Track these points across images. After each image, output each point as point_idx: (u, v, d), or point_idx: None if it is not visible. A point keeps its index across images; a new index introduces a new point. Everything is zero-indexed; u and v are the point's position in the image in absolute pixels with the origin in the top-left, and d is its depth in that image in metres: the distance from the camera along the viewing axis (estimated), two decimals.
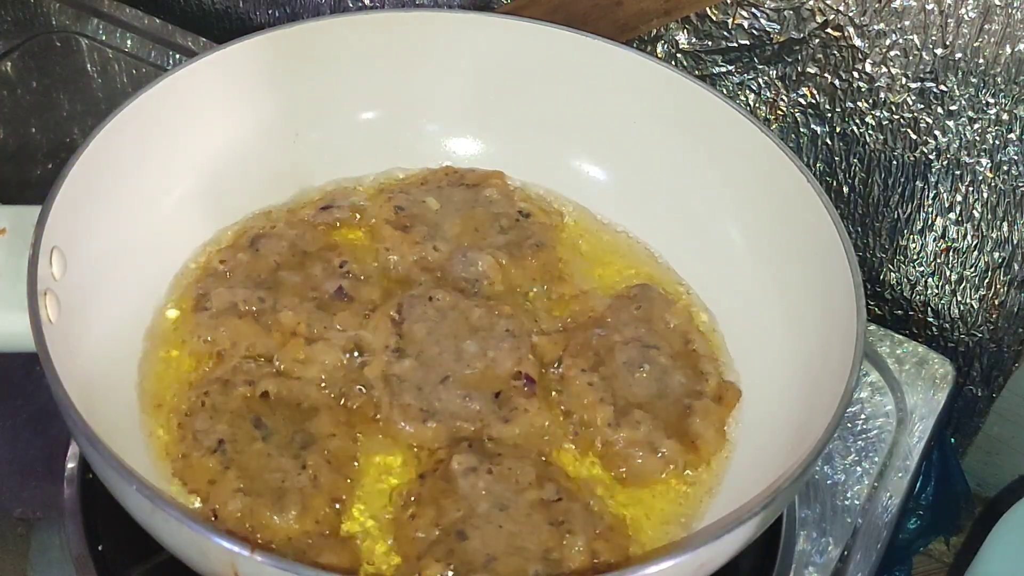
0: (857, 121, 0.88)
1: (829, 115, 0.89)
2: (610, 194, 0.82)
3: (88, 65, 1.06)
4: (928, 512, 0.99)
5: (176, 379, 0.68)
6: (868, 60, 0.84)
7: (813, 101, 0.88)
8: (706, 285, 0.77)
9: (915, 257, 0.94)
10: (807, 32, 0.85)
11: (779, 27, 0.85)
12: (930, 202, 0.90)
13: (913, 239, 0.93)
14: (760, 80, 0.89)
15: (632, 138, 0.81)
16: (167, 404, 0.66)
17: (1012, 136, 0.83)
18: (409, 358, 0.69)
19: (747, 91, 0.90)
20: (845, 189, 0.93)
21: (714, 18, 0.87)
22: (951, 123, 0.85)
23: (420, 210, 0.78)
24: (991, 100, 0.82)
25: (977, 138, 0.85)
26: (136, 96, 0.70)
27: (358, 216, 0.78)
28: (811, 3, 0.83)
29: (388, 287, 0.74)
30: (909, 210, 0.91)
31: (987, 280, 0.93)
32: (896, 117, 0.86)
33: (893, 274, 0.96)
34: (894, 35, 0.82)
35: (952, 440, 1.04)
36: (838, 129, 0.89)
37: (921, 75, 0.83)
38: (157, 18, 1.07)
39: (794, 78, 0.88)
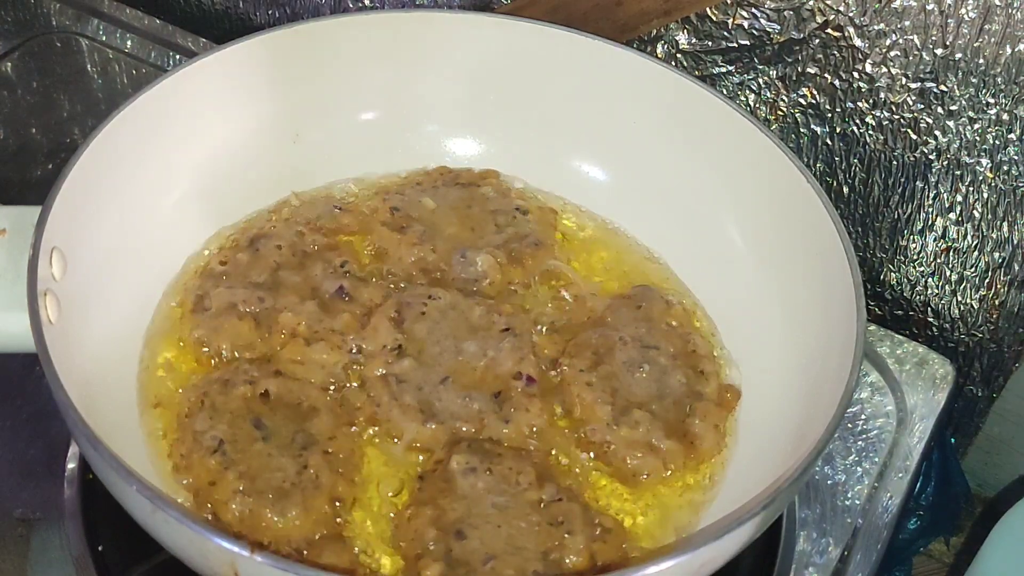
0: (857, 121, 0.88)
1: (829, 115, 0.89)
2: (610, 194, 0.82)
3: (88, 65, 1.06)
4: (928, 512, 0.99)
5: (176, 379, 0.68)
6: (868, 60, 0.84)
7: (813, 101, 0.88)
8: (706, 285, 0.77)
9: (915, 257, 0.94)
10: (807, 32, 0.85)
11: (779, 27, 0.85)
12: (930, 202, 0.90)
13: (913, 239, 0.93)
14: (760, 80, 0.89)
15: (632, 138, 0.81)
16: (167, 404, 0.66)
17: (1012, 136, 0.83)
18: (409, 358, 0.69)
19: (747, 91, 0.90)
20: (845, 189, 0.92)
21: (714, 18, 0.87)
22: (951, 123, 0.85)
23: (416, 210, 0.78)
24: (991, 100, 0.82)
25: (977, 138, 0.85)
26: (136, 96, 0.70)
27: (356, 217, 0.78)
28: (811, 3, 0.83)
29: (388, 287, 0.74)
30: (909, 210, 0.91)
31: (987, 280, 0.93)
32: (896, 117, 0.86)
33: (893, 274, 0.96)
34: (894, 35, 0.82)
35: (952, 440, 1.04)
36: (838, 129, 0.89)
37: (921, 75, 0.83)
38: (157, 18, 1.07)
39: (794, 78, 0.88)
